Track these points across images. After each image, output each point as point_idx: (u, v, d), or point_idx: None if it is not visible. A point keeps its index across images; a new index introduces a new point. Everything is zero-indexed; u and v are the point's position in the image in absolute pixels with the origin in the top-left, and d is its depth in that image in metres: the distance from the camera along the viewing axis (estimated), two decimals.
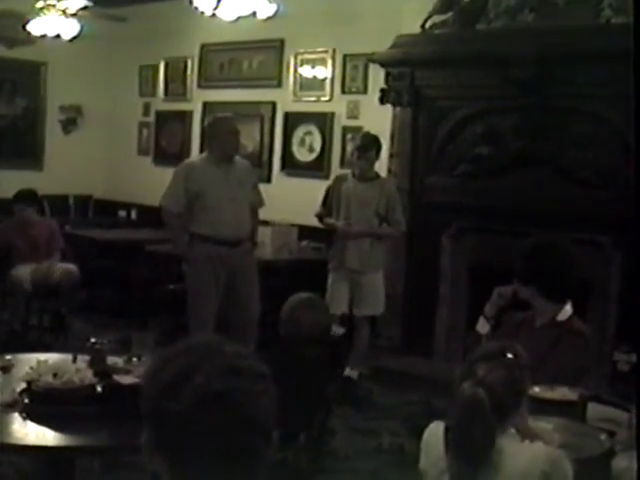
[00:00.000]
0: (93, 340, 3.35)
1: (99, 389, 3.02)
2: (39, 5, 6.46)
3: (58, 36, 6.60)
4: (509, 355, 2.18)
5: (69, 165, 8.75)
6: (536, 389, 2.77)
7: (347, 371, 5.56)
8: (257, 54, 7.73)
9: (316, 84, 7.28)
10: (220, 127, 5.25)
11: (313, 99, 7.31)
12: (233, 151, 5.28)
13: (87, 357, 3.30)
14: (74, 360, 3.32)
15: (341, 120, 7.13)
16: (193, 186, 5.21)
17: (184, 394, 1.31)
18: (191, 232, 5.26)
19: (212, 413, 1.31)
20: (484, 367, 2.12)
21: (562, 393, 2.83)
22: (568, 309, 3.20)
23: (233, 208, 5.21)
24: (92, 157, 9.04)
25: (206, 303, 5.23)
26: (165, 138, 8.67)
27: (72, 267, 6.40)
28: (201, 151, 8.19)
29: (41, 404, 2.93)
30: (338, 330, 3.66)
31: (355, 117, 7.02)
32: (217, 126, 5.28)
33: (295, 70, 7.41)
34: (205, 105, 8.22)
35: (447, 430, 2.13)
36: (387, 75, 6.25)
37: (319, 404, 3.29)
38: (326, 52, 7.16)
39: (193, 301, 5.29)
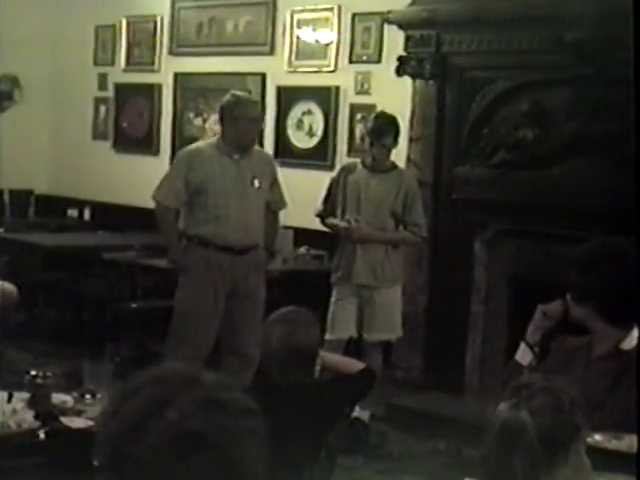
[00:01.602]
0: (34, 373, 3.34)
1: (42, 435, 3.00)
2: None
3: None
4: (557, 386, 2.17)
5: (4, 151, 8.72)
6: (596, 437, 2.74)
7: (356, 411, 5.54)
8: (244, 12, 7.74)
9: (317, 51, 7.28)
10: (240, 111, 5.29)
11: (313, 70, 7.31)
12: (251, 142, 5.36)
13: (26, 395, 3.28)
14: (9, 399, 3.30)
15: (348, 96, 7.14)
16: (195, 177, 5.27)
17: (152, 434, 1.30)
18: (188, 234, 5.32)
19: (187, 457, 1.30)
20: (527, 392, 2.11)
21: (630, 443, 2.80)
22: (635, 335, 3.18)
23: (241, 208, 5.29)
24: (33, 141, 9.03)
25: (202, 324, 5.26)
26: (127, 118, 8.67)
27: (9, 287, 6.33)
28: (173, 134, 8.23)
29: None
30: (358, 364, 3.59)
31: (366, 92, 7.03)
32: (237, 109, 5.30)
33: (291, 33, 7.41)
34: (177, 77, 8.23)
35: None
36: (407, 39, 6.25)
37: (318, 452, 3.27)
38: (330, 10, 7.16)
39: (182, 322, 5.30)
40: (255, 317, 5.32)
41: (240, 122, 5.26)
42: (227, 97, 5.43)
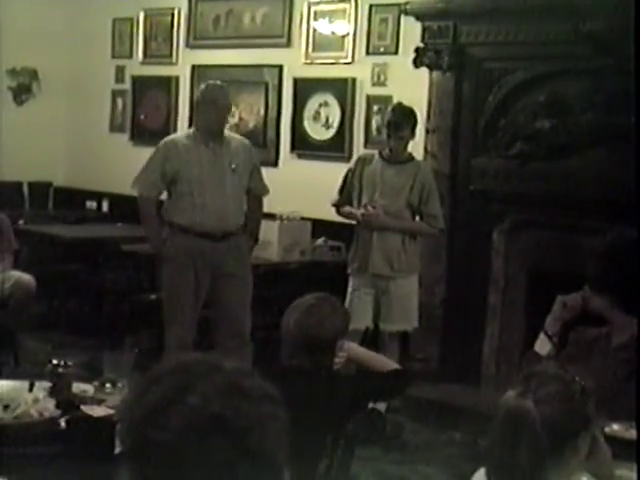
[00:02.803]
0: (55, 362, 3.36)
1: (62, 424, 3.02)
2: None
3: None
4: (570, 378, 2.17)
5: (23, 144, 8.76)
6: (614, 427, 2.75)
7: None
8: (261, 5, 7.73)
9: (334, 42, 7.27)
10: (202, 96, 5.50)
11: (330, 61, 7.30)
12: (215, 125, 5.47)
13: (47, 384, 3.30)
14: (30, 388, 3.31)
15: (365, 88, 7.13)
16: (171, 167, 5.44)
17: (175, 419, 1.34)
18: (169, 222, 5.49)
19: (209, 441, 1.33)
20: (537, 380, 2.11)
21: None
22: None
23: (218, 195, 5.43)
24: (52, 134, 9.05)
25: (182, 309, 5.46)
26: (145, 111, 8.68)
27: (27, 278, 6.37)
28: (190, 125, 8.22)
29: None
30: (389, 364, 3.47)
31: (383, 84, 7.02)
32: (200, 95, 5.54)
33: (308, 25, 7.41)
34: (194, 69, 8.22)
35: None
36: (424, 30, 6.23)
37: (335, 442, 3.26)
38: (347, 1, 7.15)
39: (168, 307, 5.52)
40: (243, 296, 5.54)
41: (206, 107, 5.42)
42: (200, 86, 5.66)
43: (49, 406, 3.08)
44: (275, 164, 7.52)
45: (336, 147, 7.24)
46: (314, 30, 7.37)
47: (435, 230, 5.76)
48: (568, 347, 3.34)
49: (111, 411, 2.96)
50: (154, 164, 5.53)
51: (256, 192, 5.73)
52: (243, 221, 5.63)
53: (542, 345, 3.36)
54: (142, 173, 5.57)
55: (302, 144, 7.48)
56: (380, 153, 5.73)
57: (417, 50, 6.27)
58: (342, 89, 7.22)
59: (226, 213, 5.47)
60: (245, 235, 5.66)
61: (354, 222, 5.79)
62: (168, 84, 8.44)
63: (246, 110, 7.81)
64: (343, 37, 7.21)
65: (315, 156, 7.34)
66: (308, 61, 7.44)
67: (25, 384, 3.36)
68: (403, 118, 5.57)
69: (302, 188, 7.14)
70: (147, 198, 5.53)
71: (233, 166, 5.49)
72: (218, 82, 5.72)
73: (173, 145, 5.52)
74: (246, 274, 5.60)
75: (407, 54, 6.44)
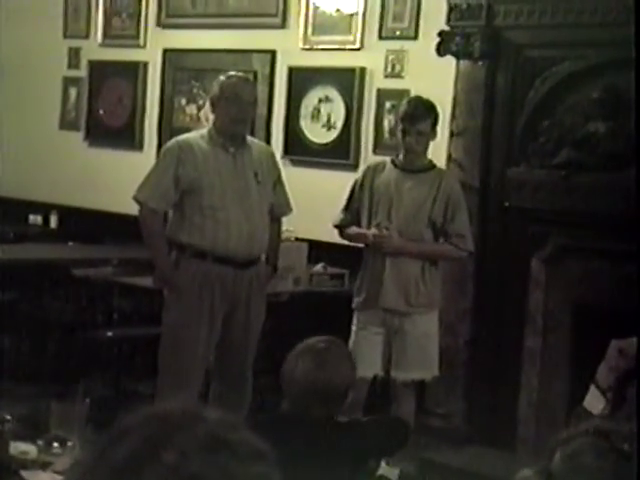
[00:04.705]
0: None
1: None
2: None
3: None
4: (626, 447, 2.15)
5: None
6: None
7: (381, 467, 5.53)
8: None
9: (339, 23, 7.29)
10: (222, 89, 5.48)
11: (334, 47, 7.33)
12: (238, 126, 5.47)
13: None
14: None
15: (376, 80, 7.16)
16: (187, 173, 5.39)
17: (148, 479, 1.32)
18: (179, 244, 5.42)
19: None
20: (569, 448, 2.09)
21: None
22: None
23: (243, 210, 5.42)
24: None
25: (196, 354, 5.38)
26: (104, 104, 8.70)
27: None
28: (160, 124, 8.24)
29: None
30: None
31: (398, 75, 7.04)
32: (219, 88, 5.50)
33: (307, 1, 7.42)
34: (166, 54, 8.25)
35: None
36: (450, 10, 6.26)
37: None
38: None
39: (172, 352, 5.42)
40: (254, 337, 5.54)
41: (226, 103, 5.41)
42: (219, 78, 5.60)
43: None
44: None
45: (339, 152, 7.26)
46: (315, 8, 7.39)
47: (463, 253, 5.72)
48: (626, 405, 3.32)
49: (59, 477, 2.94)
50: (165, 168, 5.46)
51: (278, 211, 5.72)
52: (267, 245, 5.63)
53: (593, 401, 3.35)
54: (149, 180, 5.49)
55: (298, 148, 7.49)
56: (393, 161, 5.71)
57: (441, 34, 6.29)
58: (348, 81, 7.25)
59: (253, 232, 5.44)
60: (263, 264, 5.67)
61: (361, 245, 5.78)
62: (134, 71, 8.46)
63: None
64: (350, 17, 7.22)
65: (313, 163, 7.35)
66: (307, 46, 7.46)
67: None
68: (422, 110, 5.55)
69: (297, 202, 7.08)
70: (154, 211, 5.46)
71: (258, 175, 5.49)
72: (241, 74, 5.77)
73: (187, 146, 5.48)
74: (262, 311, 5.61)
75: (429, 39, 6.46)
